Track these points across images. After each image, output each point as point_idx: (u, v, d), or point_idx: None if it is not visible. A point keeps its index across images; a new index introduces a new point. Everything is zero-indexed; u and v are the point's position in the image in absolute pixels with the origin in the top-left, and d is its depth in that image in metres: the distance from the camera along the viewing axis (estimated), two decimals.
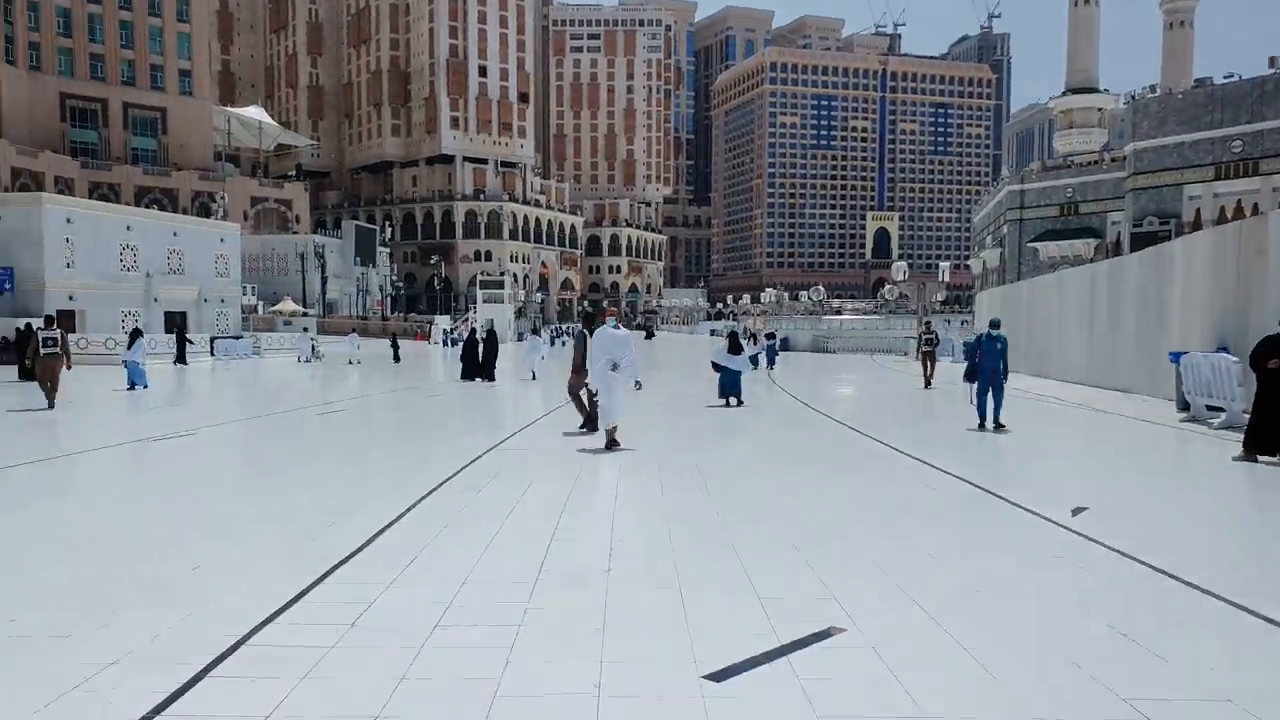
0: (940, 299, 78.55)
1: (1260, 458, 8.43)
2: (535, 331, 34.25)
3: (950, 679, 3.23)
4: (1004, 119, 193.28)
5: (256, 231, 69.86)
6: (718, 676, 3.21)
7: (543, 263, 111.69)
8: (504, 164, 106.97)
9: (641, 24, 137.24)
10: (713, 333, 71.14)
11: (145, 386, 17.90)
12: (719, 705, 2.98)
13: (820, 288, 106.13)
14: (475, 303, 63.88)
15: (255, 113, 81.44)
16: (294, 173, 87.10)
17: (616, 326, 9.57)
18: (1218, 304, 13.29)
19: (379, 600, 4.10)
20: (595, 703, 3.00)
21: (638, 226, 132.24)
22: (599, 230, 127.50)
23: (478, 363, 21.30)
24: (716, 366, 14.79)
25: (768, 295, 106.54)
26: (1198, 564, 4.77)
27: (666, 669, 3.29)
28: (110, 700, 3.01)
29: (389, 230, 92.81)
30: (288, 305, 57.35)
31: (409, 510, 6.14)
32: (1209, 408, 11.87)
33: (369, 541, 5.22)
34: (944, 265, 76.42)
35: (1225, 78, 48.11)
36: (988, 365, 11.09)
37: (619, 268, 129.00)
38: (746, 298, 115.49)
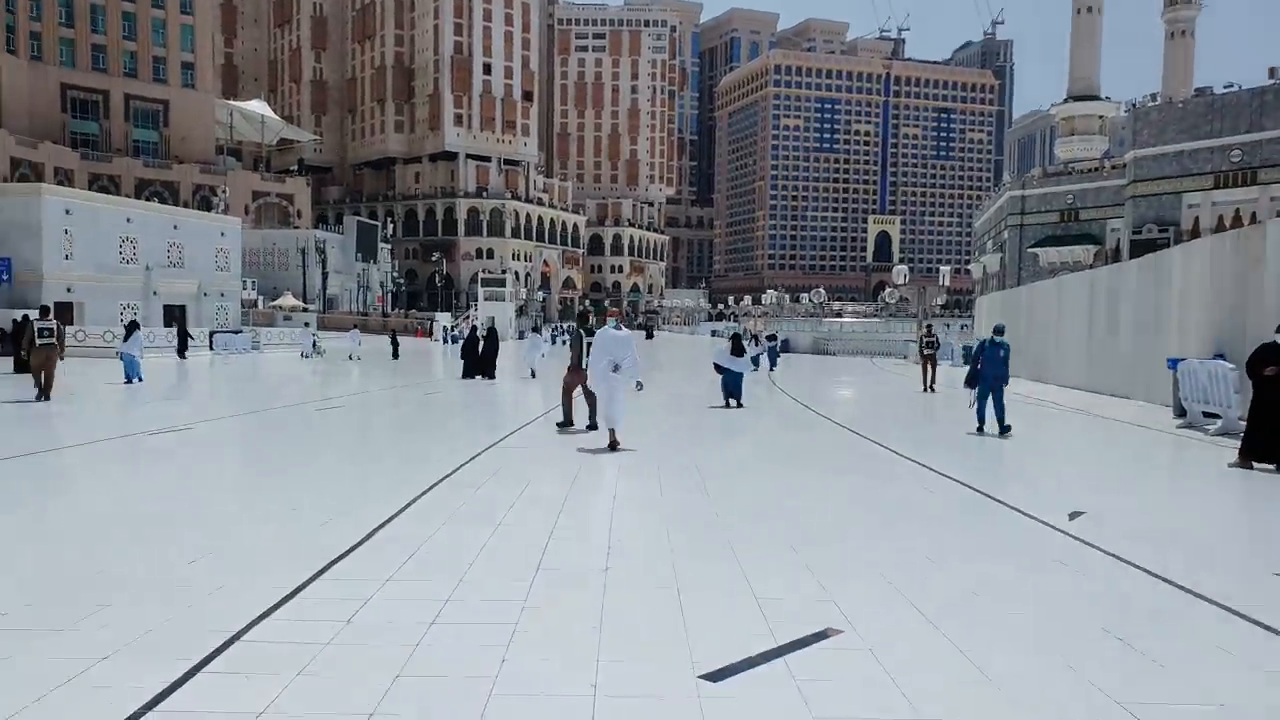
0: (940, 303, 78.63)
1: (1255, 464, 8.44)
2: (536, 330, 34.26)
3: (947, 681, 3.22)
4: (1006, 125, 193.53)
5: (257, 226, 69.84)
6: (715, 677, 3.21)
7: (544, 261, 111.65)
8: (507, 162, 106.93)
9: (647, 24, 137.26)
10: (713, 333, 71.15)
11: (139, 380, 17.82)
12: (716, 705, 2.97)
13: (821, 290, 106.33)
14: (476, 300, 63.87)
15: (258, 107, 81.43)
16: (296, 167, 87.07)
17: (618, 327, 9.51)
18: (1215, 311, 13.31)
19: (375, 597, 4.09)
20: (592, 702, 2.99)
21: (640, 226, 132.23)
22: (601, 229, 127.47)
23: (479, 360, 21.31)
24: (719, 368, 14.75)
25: (769, 297, 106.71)
26: (1194, 569, 4.77)
27: (664, 669, 3.29)
28: (103, 695, 3.00)
29: (391, 226, 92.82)
30: (288, 300, 57.33)
31: (407, 507, 6.13)
32: (1205, 414, 11.88)
33: (366, 538, 5.21)
34: (944, 269, 76.38)
35: (1225, 87, 48.22)
36: (990, 371, 10.99)
37: (621, 267, 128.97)
38: (748, 299, 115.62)
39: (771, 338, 30.75)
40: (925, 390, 18.94)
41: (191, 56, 72.17)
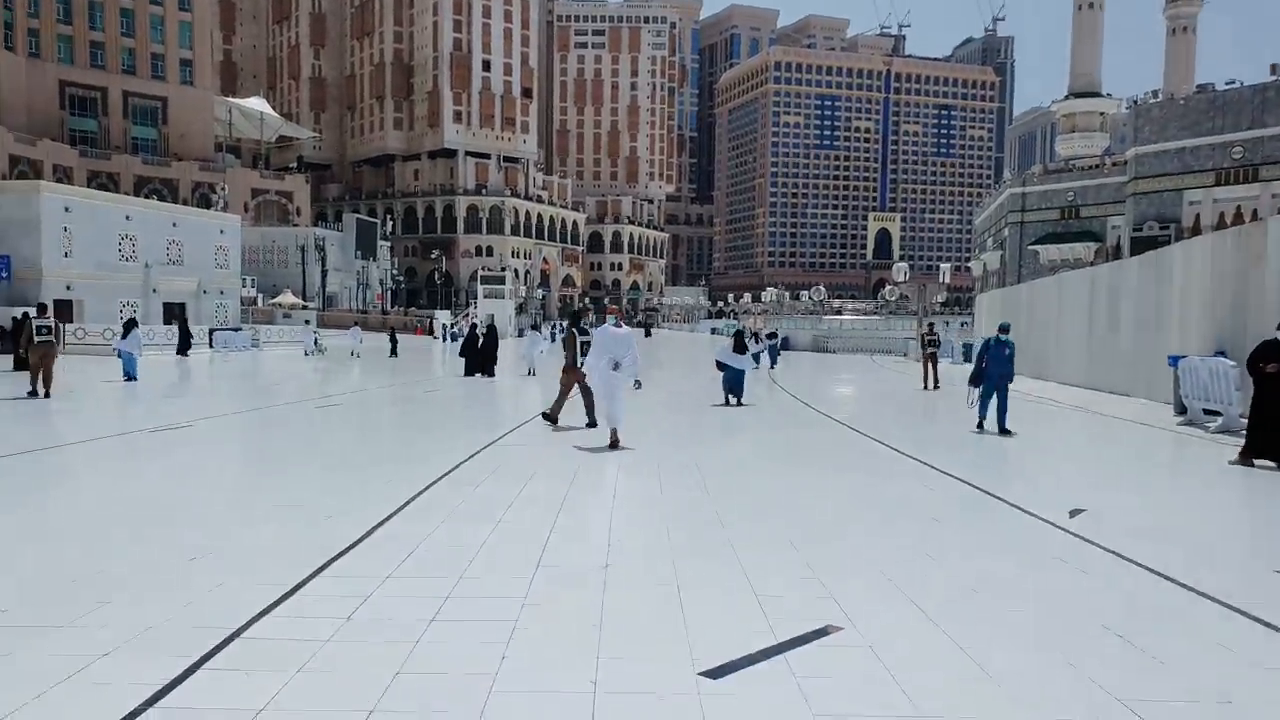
0: (940, 300, 78.63)
1: (1256, 462, 8.44)
2: (535, 327, 34.24)
3: (947, 679, 3.22)
4: (1007, 122, 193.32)
5: (257, 223, 69.77)
6: (715, 673, 3.21)
7: (544, 259, 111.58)
8: (506, 159, 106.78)
9: (646, 21, 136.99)
10: (713, 331, 71.13)
11: (134, 379, 17.67)
12: (716, 702, 2.97)
13: (821, 288, 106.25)
14: (476, 298, 63.83)
15: (257, 104, 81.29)
16: (295, 165, 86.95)
17: (618, 324, 9.43)
18: (1216, 308, 13.31)
19: (375, 594, 4.09)
20: (592, 698, 2.99)
21: (640, 224, 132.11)
22: (601, 227, 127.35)
23: (479, 358, 21.31)
24: (721, 365, 14.62)
25: (769, 294, 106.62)
26: (1194, 567, 4.77)
27: (664, 666, 3.29)
28: (104, 691, 3.00)
29: (390, 224, 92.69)
30: (287, 298, 57.30)
31: (406, 505, 6.13)
32: (1206, 411, 11.88)
33: (366, 535, 5.21)
34: (945, 267, 76.40)
35: (1227, 84, 48.13)
36: (995, 370, 10.88)
37: (620, 265, 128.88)
38: (747, 296, 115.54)
39: (772, 335, 30.73)
40: (926, 388, 18.94)
41: (190, 53, 72.02)
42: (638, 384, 9.41)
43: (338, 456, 8.84)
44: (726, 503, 6.42)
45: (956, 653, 3.47)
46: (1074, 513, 6.14)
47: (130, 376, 17.68)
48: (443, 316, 59.72)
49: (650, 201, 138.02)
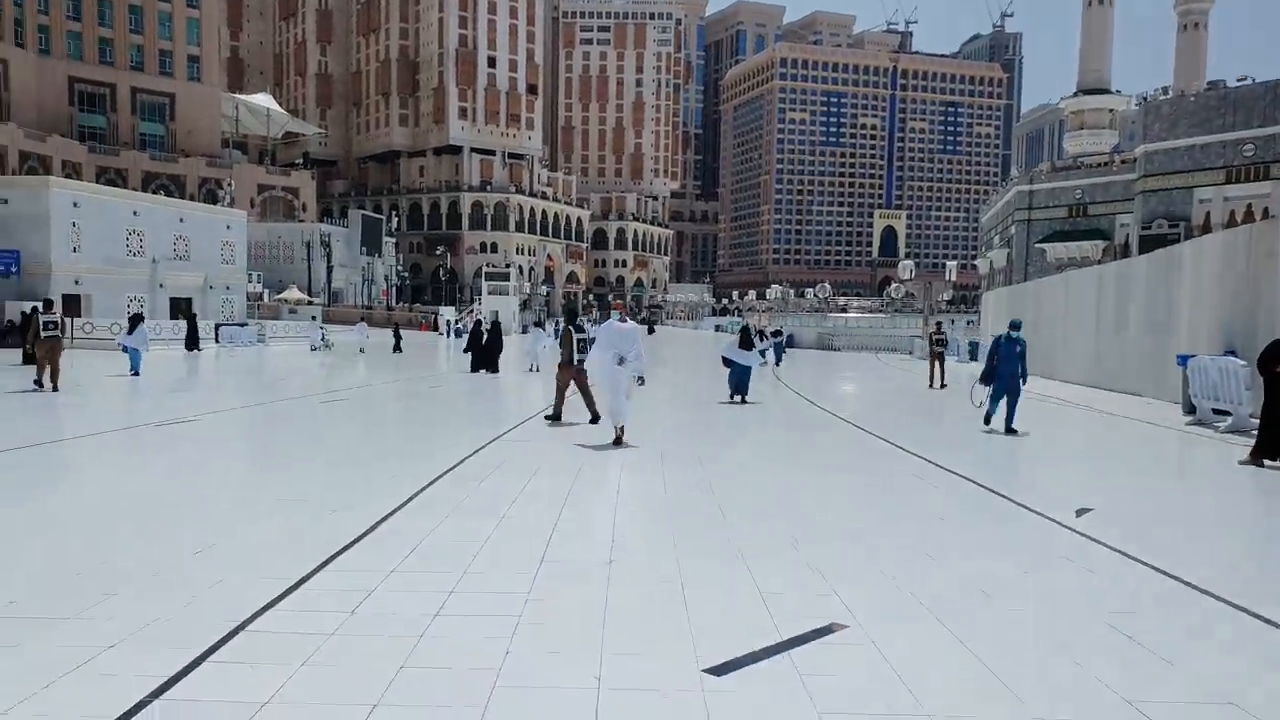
0: (946, 298, 78.40)
1: (1266, 462, 8.38)
2: (539, 324, 34.27)
3: (951, 677, 3.21)
4: (1014, 119, 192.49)
5: (263, 219, 69.97)
6: (718, 671, 3.20)
7: (548, 255, 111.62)
8: (511, 155, 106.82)
9: (652, 17, 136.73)
10: (717, 328, 71.06)
11: (138, 374, 17.71)
12: (719, 699, 2.97)
13: (826, 285, 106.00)
14: (480, 294, 63.90)
15: (263, 100, 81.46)
16: (301, 161, 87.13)
17: (623, 320, 9.35)
18: (1226, 307, 13.22)
19: (379, 588, 4.09)
20: (595, 694, 2.99)
21: (644, 221, 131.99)
22: (605, 224, 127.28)
23: (483, 354, 21.34)
24: (727, 361, 14.40)
25: (773, 292, 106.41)
26: (1202, 566, 4.74)
27: (667, 662, 3.28)
28: (110, 683, 3.01)
29: (395, 220, 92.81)
30: (293, 293, 57.47)
31: (410, 500, 6.13)
32: (1215, 411, 11.81)
33: (370, 530, 5.22)
34: (951, 265, 76.20)
35: (1238, 80, 47.80)
36: (1005, 369, 10.72)
37: (625, 262, 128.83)
38: (752, 294, 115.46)
39: (777, 333, 30.70)
40: (932, 387, 18.89)
41: (197, 50, 72.21)
42: (641, 380, 9.36)
43: (342, 451, 8.85)
44: (730, 500, 6.41)
45: (961, 651, 3.46)
46: (1081, 512, 6.11)
47: (135, 372, 17.75)
48: (447, 313, 59.82)
49: (655, 198, 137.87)
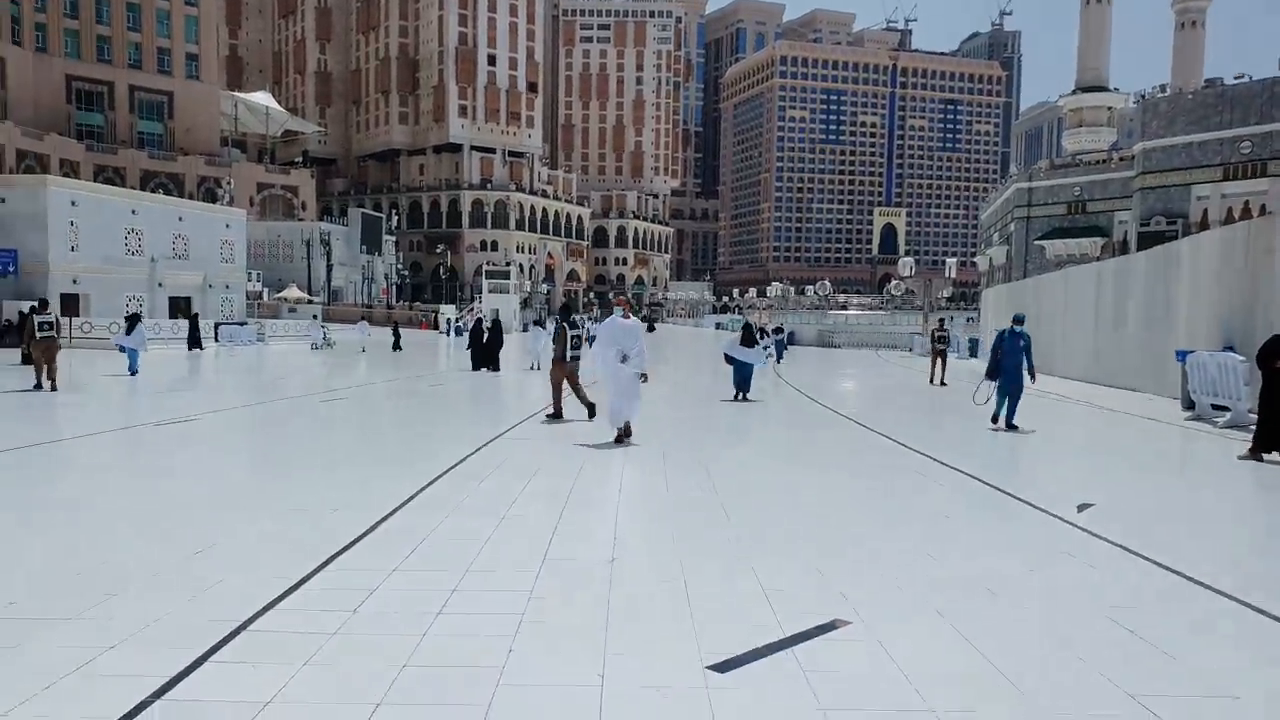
0: (946, 295, 78.40)
1: (1265, 457, 8.39)
2: (539, 323, 34.26)
3: (954, 672, 3.21)
4: (1013, 116, 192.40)
5: (262, 218, 69.88)
6: (722, 667, 3.20)
7: (549, 254, 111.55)
8: (511, 154, 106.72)
9: (652, 15, 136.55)
10: (718, 326, 71.03)
11: (136, 373, 17.65)
12: (723, 696, 2.96)
13: (826, 282, 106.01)
14: (481, 293, 63.88)
15: (262, 98, 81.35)
16: (300, 159, 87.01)
17: (625, 316, 9.29)
18: (1224, 303, 13.22)
19: (381, 587, 4.09)
20: (599, 692, 2.98)
21: (645, 219, 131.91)
22: (606, 222, 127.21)
23: (484, 353, 21.33)
24: (729, 359, 14.27)
25: (774, 289, 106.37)
26: (1204, 561, 4.74)
27: (670, 659, 3.28)
28: (112, 683, 3.00)
29: (395, 218, 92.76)
30: (293, 292, 57.41)
31: (412, 498, 6.13)
32: (1214, 406, 11.82)
33: (372, 529, 5.21)
34: (950, 262, 76.21)
35: (1236, 78, 47.75)
36: (1009, 363, 10.71)
37: (625, 260, 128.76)
38: (752, 291, 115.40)
39: (778, 330, 30.70)
40: (933, 383, 18.88)
41: (196, 48, 72.08)
42: (643, 377, 9.34)
43: (343, 451, 8.84)
44: (732, 497, 6.40)
45: (965, 647, 3.45)
46: (1082, 507, 6.11)
47: (133, 371, 17.71)
48: (448, 311, 59.78)
49: (655, 196, 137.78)
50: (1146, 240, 41.88)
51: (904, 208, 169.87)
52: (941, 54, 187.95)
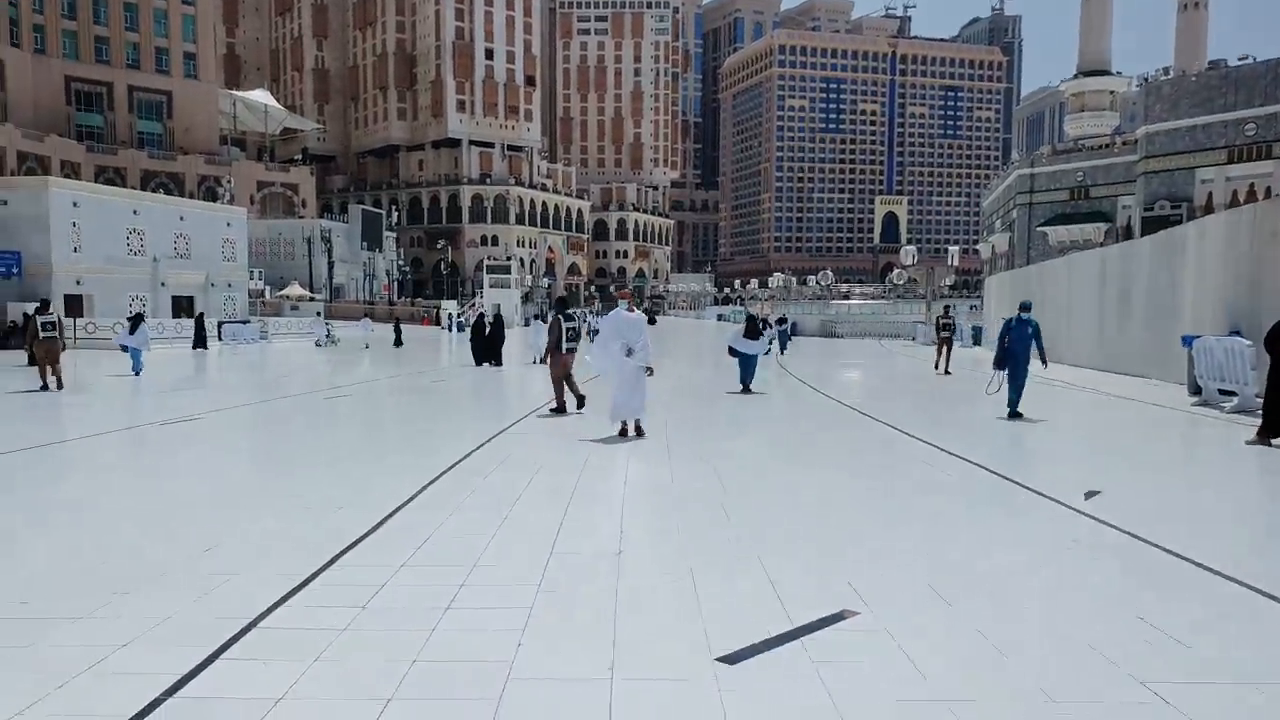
0: (949, 283, 78.17)
1: (1274, 441, 8.36)
2: (540, 317, 34.25)
3: (963, 661, 3.20)
4: (1014, 102, 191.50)
5: (263, 216, 69.86)
6: (731, 659, 3.20)
7: (549, 247, 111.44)
8: (511, 147, 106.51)
9: (649, 6, 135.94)
10: (720, 318, 70.96)
11: (137, 373, 17.67)
12: (733, 687, 2.97)
13: (828, 272, 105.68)
14: (482, 287, 63.88)
15: (261, 96, 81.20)
16: (300, 157, 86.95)
17: (630, 309, 9.24)
18: (1230, 287, 13.16)
19: (390, 583, 4.09)
20: (609, 684, 2.99)
21: (645, 211, 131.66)
22: (606, 215, 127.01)
23: (486, 347, 21.34)
24: (733, 351, 14.22)
25: (775, 280, 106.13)
26: (1212, 547, 4.73)
27: (680, 651, 3.28)
28: (124, 681, 3.01)
29: (395, 214, 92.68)
30: (295, 290, 57.45)
31: (418, 494, 6.14)
32: (1221, 391, 11.78)
33: (379, 525, 5.22)
34: (953, 250, 75.90)
35: (1240, 59, 47.47)
36: (1018, 349, 10.64)
37: (626, 252, 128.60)
38: (754, 282, 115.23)
39: (781, 321, 30.64)
40: (938, 370, 18.84)
41: (194, 47, 71.93)
42: (649, 370, 9.34)
43: (348, 448, 8.86)
44: (738, 490, 6.40)
45: (974, 635, 3.45)
46: (1089, 494, 6.10)
47: (137, 371, 17.75)
48: (449, 306, 59.79)
49: (655, 188, 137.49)
50: (1150, 225, 41.67)
51: (905, 196, 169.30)
52: (941, 40, 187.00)
